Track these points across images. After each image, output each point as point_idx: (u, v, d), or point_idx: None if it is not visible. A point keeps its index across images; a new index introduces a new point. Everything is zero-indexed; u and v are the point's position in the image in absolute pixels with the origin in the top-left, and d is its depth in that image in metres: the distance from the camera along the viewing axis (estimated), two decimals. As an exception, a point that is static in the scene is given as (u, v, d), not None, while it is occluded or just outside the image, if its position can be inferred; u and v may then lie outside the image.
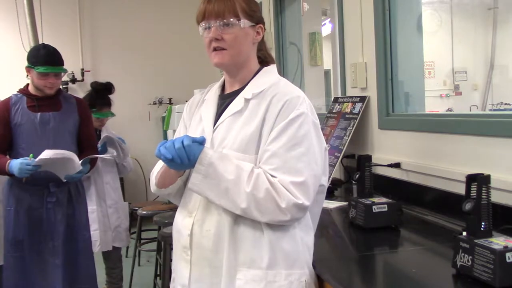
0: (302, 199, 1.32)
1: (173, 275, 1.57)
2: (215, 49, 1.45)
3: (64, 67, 2.77)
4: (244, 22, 1.44)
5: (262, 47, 1.55)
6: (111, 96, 3.63)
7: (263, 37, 1.54)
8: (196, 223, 1.44)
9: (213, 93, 1.57)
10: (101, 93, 3.57)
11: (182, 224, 1.48)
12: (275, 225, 1.36)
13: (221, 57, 1.44)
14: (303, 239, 1.42)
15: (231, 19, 1.42)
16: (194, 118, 1.58)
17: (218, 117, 1.49)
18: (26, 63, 2.72)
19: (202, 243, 1.42)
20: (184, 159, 1.32)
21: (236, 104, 1.46)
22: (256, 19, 1.48)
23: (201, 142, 1.36)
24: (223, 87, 1.58)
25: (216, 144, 1.43)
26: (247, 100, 1.44)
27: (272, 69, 1.54)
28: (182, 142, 1.32)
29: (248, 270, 1.37)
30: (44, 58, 2.67)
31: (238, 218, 1.37)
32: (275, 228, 1.36)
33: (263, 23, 1.52)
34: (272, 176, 1.33)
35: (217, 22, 1.42)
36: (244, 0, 1.46)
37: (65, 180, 2.66)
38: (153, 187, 1.58)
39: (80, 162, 2.60)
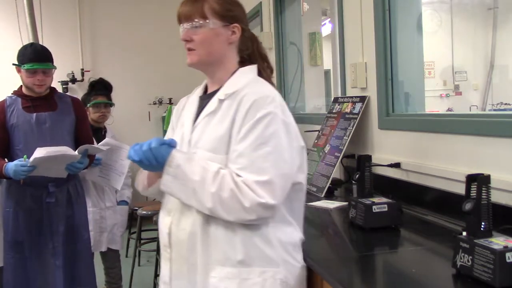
0: (266, 198, 1.33)
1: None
2: (188, 50, 1.50)
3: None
4: (214, 23, 1.47)
5: (247, 46, 1.56)
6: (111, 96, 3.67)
7: (249, 37, 1.56)
8: (174, 222, 1.48)
9: (195, 94, 1.62)
10: (96, 86, 3.64)
11: (162, 222, 1.53)
12: (247, 223, 1.38)
13: (190, 57, 1.51)
14: (277, 237, 1.43)
15: (199, 21, 1.46)
16: (179, 120, 1.62)
17: (197, 118, 1.53)
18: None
19: (179, 241, 1.46)
20: (152, 160, 1.38)
21: (211, 105, 1.49)
22: (230, 19, 1.50)
23: (169, 144, 1.41)
24: (206, 88, 1.61)
25: (192, 144, 1.47)
26: (220, 101, 1.47)
27: (248, 69, 1.54)
28: (150, 145, 1.38)
29: (222, 268, 1.40)
30: (30, 55, 2.66)
31: (210, 217, 1.40)
32: (248, 226, 1.38)
33: (241, 22, 1.52)
34: (238, 175, 1.35)
35: (187, 24, 1.48)
36: (217, 1, 1.48)
37: (67, 173, 2.63)
38: (137, 187, 1.65)
39: (77, 151, 2.58)
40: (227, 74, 1.52)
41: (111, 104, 3.65)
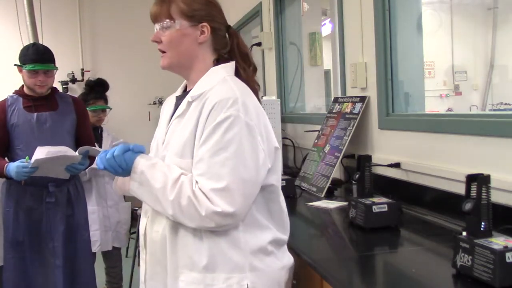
0: (223, 206, 1.28)
1: None
2: (161, 52, 1.47)
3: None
4: (181, 23, 1.43)
5: (223, 45, 1.50)
6: (107, 94, 3.68)
7: (225, 35, 1.50)
8: (148, 223, 1.48)
9: (174, 94, 1.59)
10: (95, 89, 3.64)
11: (140, 223, 1.54)
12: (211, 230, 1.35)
13: (162, 61, 1.47)
14: (247, 242, 1.38)
15: (166, 21, 1.43)
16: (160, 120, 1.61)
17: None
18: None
19: (152, 243, 1.47)
20: (116, 168, 1.38)
21: (181, 107, 1.45)
22: (198, 18, 1.44)
23: (132, 149, 1.40)
24: (186, 88, 1.57)
25: (164, 147, 1.45)
26: (189, 103, 1.42)
27: (220, 68, 1.46)
28: (113, 153, 1.37)
29: (189, 273, 1.38)
30: (32, 56, 2.66)
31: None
32: (215, 231, 1.35)
33: (211, 21, 1.46)
34: (197, 182, 1.32)
35: (158, 25, 1.45)
36: (184, 1, 1.43)
37: (68, 175, 2.63)
38: (115, 189, 1.63)
39: (77, 152, 2.58)
40: (199, 74, 1.46)
41: (109, 108, 3.68)
